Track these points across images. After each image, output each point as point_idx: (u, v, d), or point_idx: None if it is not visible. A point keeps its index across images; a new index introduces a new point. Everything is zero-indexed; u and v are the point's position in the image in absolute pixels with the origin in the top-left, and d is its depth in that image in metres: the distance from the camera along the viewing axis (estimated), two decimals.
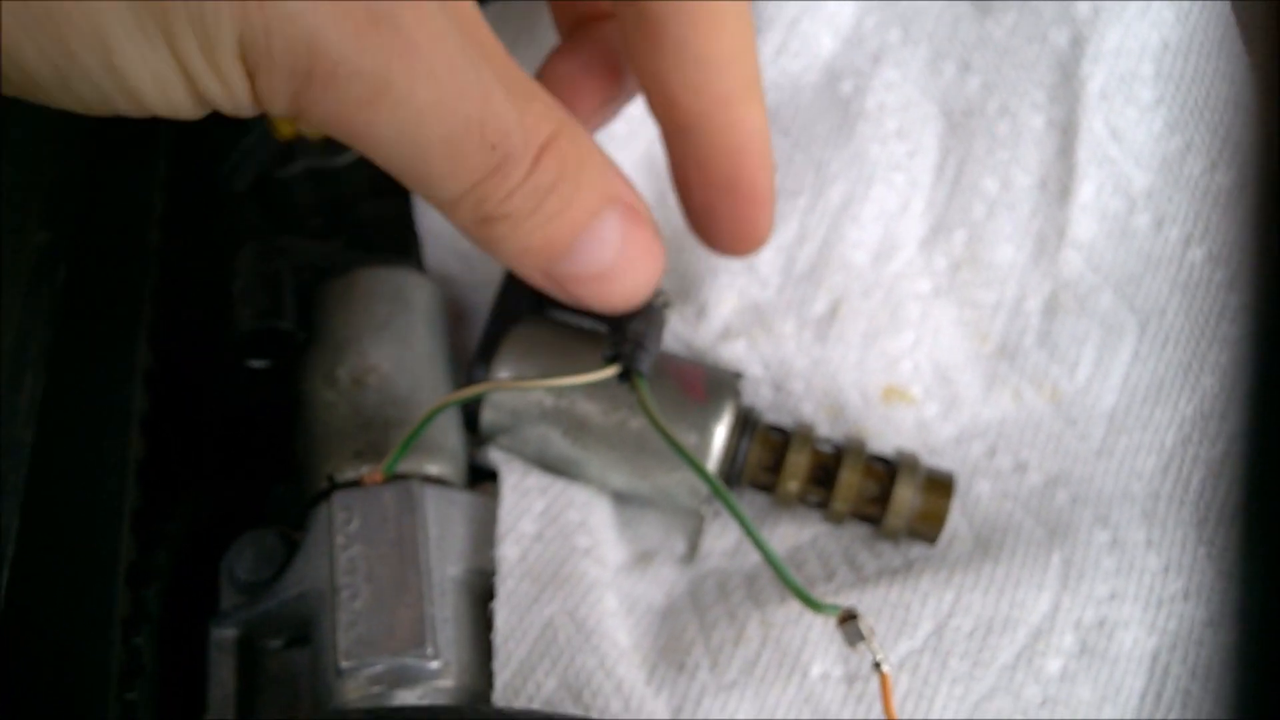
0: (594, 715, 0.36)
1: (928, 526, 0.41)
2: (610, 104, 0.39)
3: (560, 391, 0.41)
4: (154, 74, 0.26)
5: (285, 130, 0.47)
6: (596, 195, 0.33)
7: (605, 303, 0.35)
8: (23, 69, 0.25)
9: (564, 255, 0.33)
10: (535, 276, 0.34)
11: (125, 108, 0.27)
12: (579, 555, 0.39)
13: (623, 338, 0.38)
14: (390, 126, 0.28)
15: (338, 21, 0.26)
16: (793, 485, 0.41)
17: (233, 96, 0.28)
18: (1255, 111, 0.46)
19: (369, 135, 0.29)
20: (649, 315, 0.40)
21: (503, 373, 0.41)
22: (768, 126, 0.36)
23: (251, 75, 0.27)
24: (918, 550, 0.42)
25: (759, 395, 0.44)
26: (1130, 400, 0.43)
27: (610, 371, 0.38)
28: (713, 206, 0.37)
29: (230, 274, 0.42)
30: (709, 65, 0.34)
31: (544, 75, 0.39)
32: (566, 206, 0.32)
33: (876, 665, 0.35)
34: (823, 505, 0.41)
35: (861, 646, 0.35)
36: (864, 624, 0.35)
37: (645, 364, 0.38)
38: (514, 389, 0.41)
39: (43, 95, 0.27)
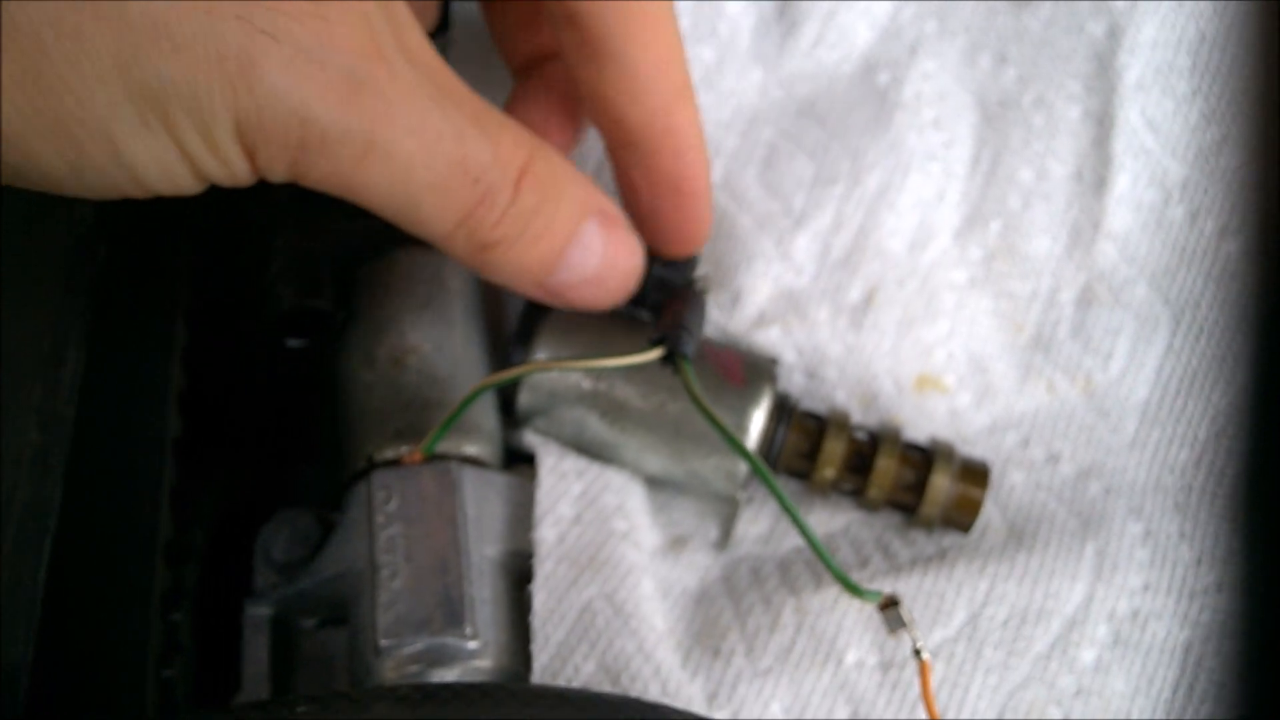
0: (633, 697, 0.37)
1: (962, 515, 0.41)
2: (570, 144, 0.42)
3: (599, 374, 0.41)
4: (158, 162, 0.29)
5: None
6: (576, 208, 0.36)
7: (597, 303, 0.38)
8: (41, 169, 0.28)
9: (555, 268, 0.36)
10: (531, 290, 0.37)
11: (132, 191, 0.29)
12: (616, 539, 0.39)
13: (666, 320, 0.38)
14: (381, 179, 0.31)
15: (323, 93, 0.29)
16: (829, 472, 0.41)
17: (233, 173, 0.30)
18: None
19: (363, 190, 0.31)
20: (690, 298, 0.40)
21: (541, 355, 0.41)
22: (702, 126, 0.39)
23: (250, 153, 0.29)
24: (951, 539, 0.42)
25: (792, 382, 0.44)
26: (1163, 393, 0.43)
27: (655, 354, 0.38)
28: (659, 209, 0.39)
29: (268, 253, 0.41)
30: (646, 76, 0.36)
31: None
32: (551, 224, 0.35)
33: (917, 652, 0.35)
34: (857, 493, 0.42)
35: (901, 633, 0.35)
36: (905, 610, 0.35)
37: (690, 347, 0.38)
38: (557, 370, 0.41)
39: (55, 187, 0.29)
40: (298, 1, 0.28)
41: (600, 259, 0.37)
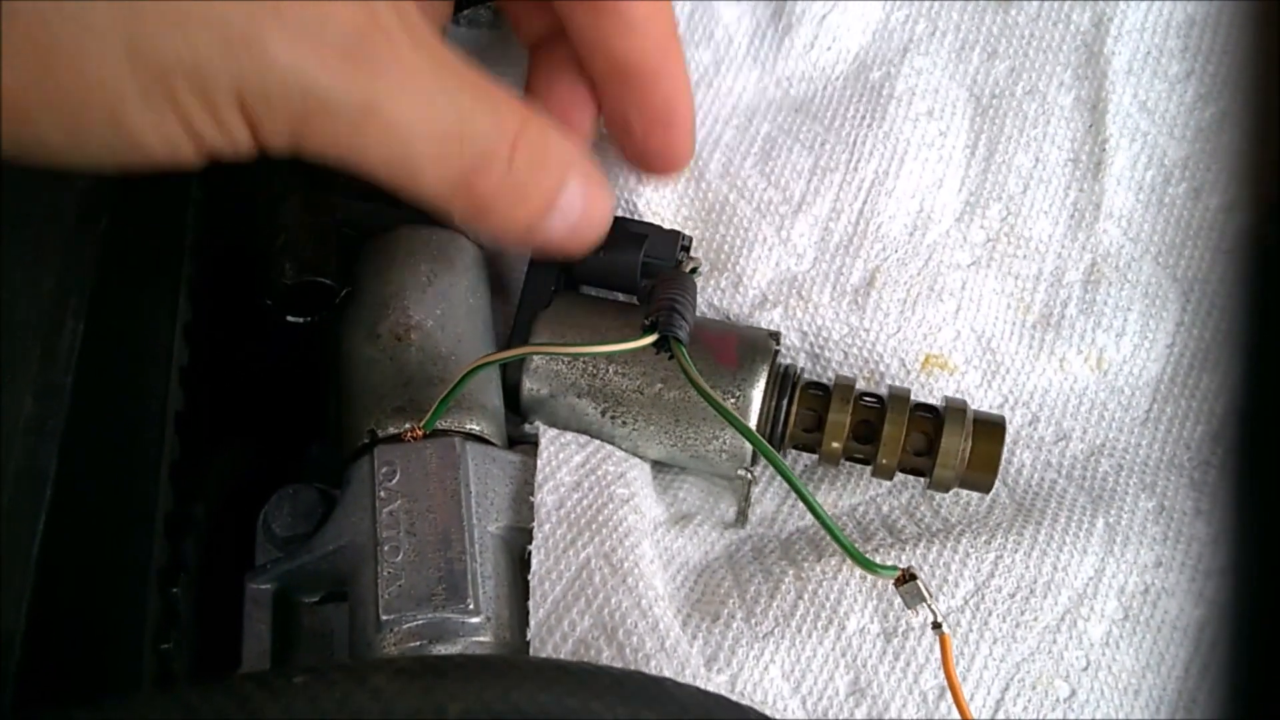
0: (628, 653, 0.36)
1: (980, 474, 0.40)
2: (592, 121, 0.44)
3: (594, 369, 0.41)
4: (160, 132, 0.29)
5: None
6: (562, 167, 0.37)
7: (572, 252, 0.40)
8: (40, 139, 0.29)
9: (541, 223, 0.37)
10: (515, 243, 0.39)
11: (134, 163, 0.30)
12: (617, 503, 0.39)
13: (657, 305, 0.38)
14: (381, 147, 0.32)
15: (323, 64, 0.30)
16: (835, 445, 0.40)
17: (235, 144, 0.31)
18: None
19: (364, 158, 0.32)
20: (681, 281, 0.40)
21: (539, 341, 0.41)
22: (686, 68, 0.43)
23: (253, 124, 0.30)
24: (957, 515, 0.41)
25: (795, 364, 0.44)
26: (1176, 368, 0.43)
27: (649, 339, 0.38)
28: (650, 139, 0.43)
29: (271, 228, 0.41)
30: (639, 20, 0.40)
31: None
32: (540, 185, 0.37)
33: (937, 625, 0.34)
34: (869, 461, 0.41)
35: (920, 606, 0.35)
36: (922, 585, 0.34)
37: (683, 330, 0.38)
38: (553, 353, 0.40)
39: (53, 158, 0.30)
40: None
41: (580, 213, 0.38)
